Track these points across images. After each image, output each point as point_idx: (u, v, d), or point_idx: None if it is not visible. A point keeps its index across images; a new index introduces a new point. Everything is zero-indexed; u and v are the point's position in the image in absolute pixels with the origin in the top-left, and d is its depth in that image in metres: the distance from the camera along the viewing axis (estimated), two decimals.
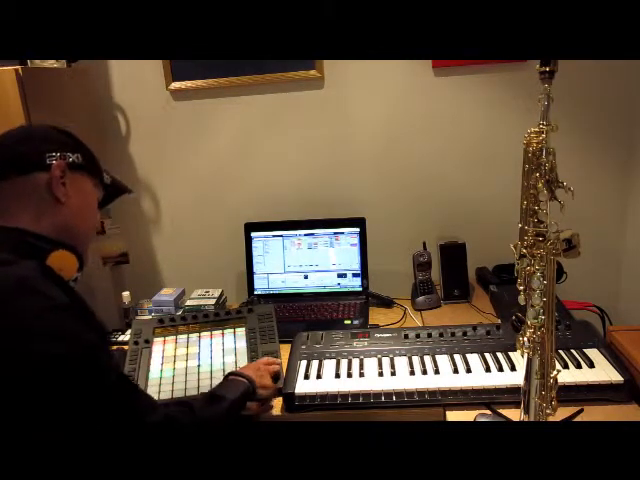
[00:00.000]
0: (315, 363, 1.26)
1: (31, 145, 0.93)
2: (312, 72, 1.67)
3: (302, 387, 1.17)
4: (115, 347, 1.45)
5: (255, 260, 1.73)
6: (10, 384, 0.73)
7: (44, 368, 0.74)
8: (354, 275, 1.71)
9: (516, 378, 1.13)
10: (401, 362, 1.24)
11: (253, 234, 1.73)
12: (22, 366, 0.74)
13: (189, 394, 1.22)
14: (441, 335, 1.33)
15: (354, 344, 1.32)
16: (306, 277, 1.72)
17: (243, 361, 1.31)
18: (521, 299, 0.87)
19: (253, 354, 1.33)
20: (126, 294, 1.68)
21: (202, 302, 1.65)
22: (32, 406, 0.74)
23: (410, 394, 1.15)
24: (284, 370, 1.26)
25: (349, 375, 1.21)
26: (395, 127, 1.71)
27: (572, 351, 1.22)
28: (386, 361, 1.25)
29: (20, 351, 0.75)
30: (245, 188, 1.80)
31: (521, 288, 0.87)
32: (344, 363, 1.26)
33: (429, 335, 1.33)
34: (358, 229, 1.70)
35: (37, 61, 1.51)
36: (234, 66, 1.68)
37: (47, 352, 0.75)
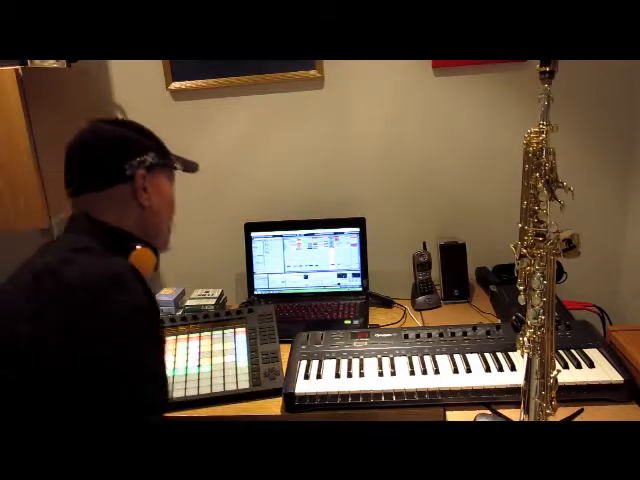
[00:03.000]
0: (315, 363, 1.26)
1: (109, 156, 0.96)
2: (312, 72, 1.67)
3: (302, 387, 1.17)
4: None
5: (255, 260, 1.73)
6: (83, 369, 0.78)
7: (113, 366, 0.80)
8: (354, 275, 1.71)
9: (516, 378, 1.13)
10: (401, 362, 1.25)
11: (253, 234, 1.73)
12: (99, 357, 0.79)
13: (189, 394, 1.22)
14: (441, 335, 1.33)
15: (354, 344, 1.32)
16: (306, 277, 1.72)
17: (243, 361, 1.31)
18: (521, 299, 0.87)
19: (253, 354, 1.33)
20: None
21: (202, 302, 1.65)
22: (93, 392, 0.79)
23: (410, 394, 1.15)
24: (284, 370, 1.26)
25: (349, 375, 1.21)
26: (395, 127, 1.71)
27: (572, 351, 1.22)
28: (386, 361, 1.25)
29: (104, 343, 0.80)
30: (245, 188, 1.80)
31: (521, 288, 0.87)
32: (344, 363, 1.26)
33: (429, 335, 1.33)
34: (358, 229, 1.70)
35: (37, 61, 1.51)
36: (234, 66, 1.68)
37: (124, 352, 0.81)
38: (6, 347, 0.80)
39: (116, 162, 0.96)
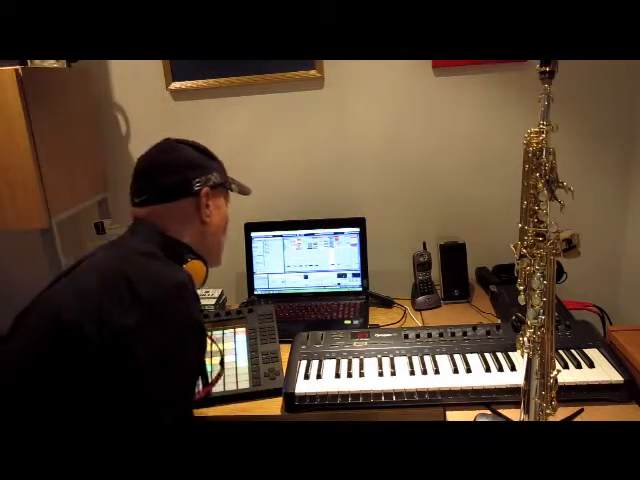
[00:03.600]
0: (315, 363, 1.26)
1: (181, 172, 1.04)
2: (312, 72, 1.67)
3: (302, 387, 1.17)
4: None
5: (255, 260, 1.73)
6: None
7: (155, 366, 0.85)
8: (354, 275, 1.71)
9: (516, 378, 1.13)
10: (401, 362, 1.25)
11: (253, 234, 1.73)
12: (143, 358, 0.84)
13: None
14: (441, 335, 1.33)
15: (354, 344, 1.32)
16: (306, 277, 1.72)
17: (243, 361, 1.31)
18: (521, 299, 0.87)
19: (253, 354, 1.33)
20: None
21: (202, 302, 1.65)
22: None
23: (410, 394, 1.15)
24: (284, 370, 1.26)
25: (349, 375, 1.21)
26: (395, 127, 1.71)
27: (572, 351, 1.22)
28: (386, 361, 1.25)
29: (162, 345, 0.86)
30: None
31: (521, 288, 0.87)
32: (344, 363, 1.26)
33: (429, 335, 1.33)
34: (358, 229, 1.70)
35: (37, 61, 1.51)
36: (234, 66, 1.68)
37: (175, 358, 0.87)
38: (74, 345, 0.83)
39: (186, 178, 1.03)
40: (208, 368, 1.29)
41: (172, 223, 1.03)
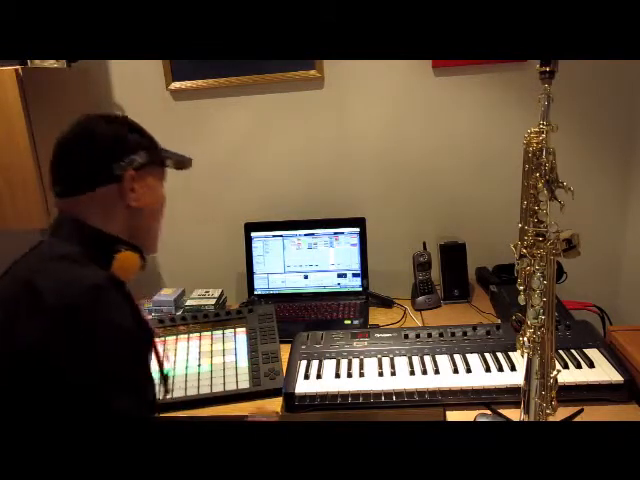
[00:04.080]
0: (315, 363, 1.26)
1: (97, 156, 0.92)
2: (312, 72, 1.67)
3: (302, 387, 1.17)
4: None
5: (255, 260, 1.73)
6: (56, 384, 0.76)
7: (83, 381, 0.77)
8: (354, 275, 1.71)
9: (516, 378, 1.13)
10: (401, 362, 1.25)
11: (253, 234, 1.73)
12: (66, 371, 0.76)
13: (189, 394, 1.22)
14: (441, 335, 1.33)
15: (354, 344, 1.32)
16: (306, 277, 1.72)
17: (243, 361, 1.31)
18: (521, 299, 0.87)
19: (253, 354, 1.33)
20: None
21: (202, 302, 1.65)
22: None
23: (410, 394, 1.15)
24: (284, 370, 1.27)
25: (349, 375, 1.21)
26: (395, 127, 1.71)
27: (572, 351, 1.22)
28: (386, 361, 1.25)
29: (76, 359, 0.77)
30: (245, 188, 1.80)
31: (521, 288, 0.87)
32: (344, 363, 1.26)
33: (429, 335, 1.33)
34: (358, 229, 1.70)
35: (37, 61, 1.51)
36: (234, 66, 1.68)
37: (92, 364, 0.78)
38: None
39: (104, 162, 0.92)
40: (207, 369, 1.29)
41: (95, 214, 0.92)
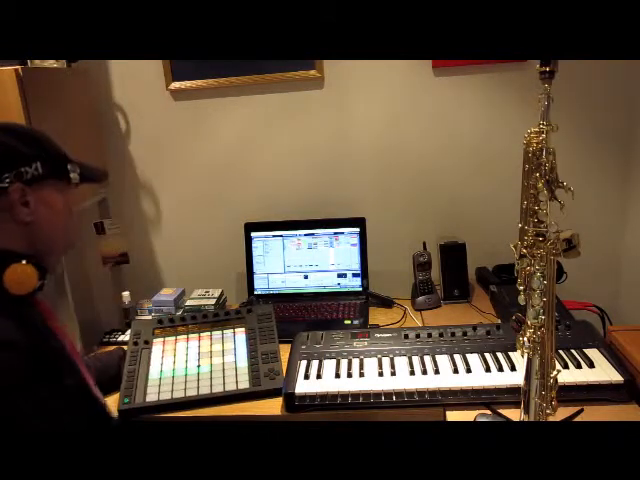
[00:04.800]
0: (315, 363, 1.26)
1: None
2: (312, 72, 1.67)
3: (302, 387, 1.17)
4: (115, 347, 1.45)
5: (255, 260, 1.73)
6: None
7: None
8: (354, 275, 1.71)
9: (516, 378, 1.13)
10: (401, 362, 1.24)
11: (253, 234, 1.73)
12: None
13: (189, 394, 1.22)
14: (441, 335, 1.33)
15: (354, 344, 1.32)
16: (306, 277, 1.72)
17: (242, 361, 1.31)
18: (521, 299, 0.87)
19: (253, 354, 1.33)
20: (126, 294, 1.68)
21: (202, 302, 1.65)
22: None
23: (410, 394, 1.15)
24: (284, 370, 1.26)
25: (349, 375, 1.21)
26: (395, 127, 1.71)
27: (572, 351, 1.22)
28: (386, 361, 1.25)
29: None
30: (245, 188, 1.80)
31: (521, 288, 0.87)
32: (344, 363, 1.26)
33: (429, 335, 1.33)
34: (358, 229, 1.70)
35: (37, 61, 1.51)
36: (234, 66, 1.68)
37: None
38: None
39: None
40: (206, 369, 1.29)
41: None
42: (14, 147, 0.88)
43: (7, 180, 0.86)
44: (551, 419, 0.90)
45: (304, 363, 1.26)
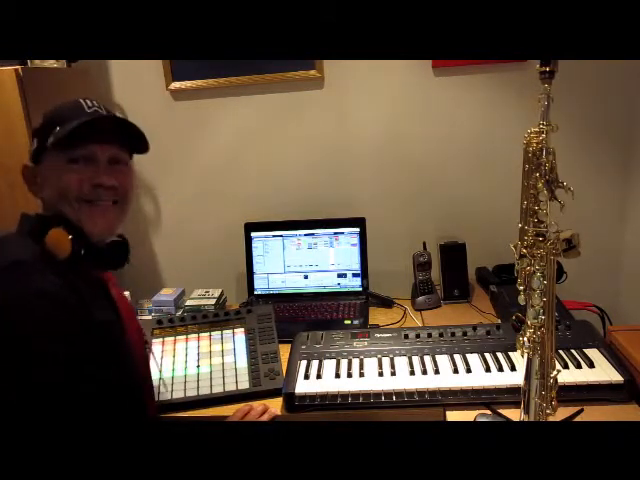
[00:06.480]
0: (315, 363, 1.26)
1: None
2: (312, 72, 1.67)
3: (302, 387, 1.17)
4: None
5: (255, 260, 1.73)
6: None
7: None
8: (354, 275, 1.71)
9: (516, 378, 1.13)
10: (401, 362, 1.24)
11: (253, 234, 1.73)
12: None
13: (188, 395, 1.22)
14: (441, 335, 1.33)
15: (354, 344, 1.32)
16: (306, 277, 1.72)
17: (242, 362, 1.31)
18: (521, 299, 0.87)
19: (252, 354, 1.33)
20: (126, 294, 1.68)
21: (202, 302, 1.65)
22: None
23: (410, 394, 1.15)
24: (284, 370, 1.26)
25: (349, 375, 1.21)
26: (395, 127, 1.71)
27: (572, 351, 1.22)
28: (386, 361, 1.25)
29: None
30: (245, 188, 1.80)
31: (521, 288, 0.87)
32: (344, 363, 1.26)
33: (429, 335, 1.33)
34: (358, 229, 1.70)
35: (37, 61, 1.51)
36: (234, 66, 1.68)
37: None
38: None
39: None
40: (206, 370, 1.29)
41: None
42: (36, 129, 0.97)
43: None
44: (551, 419, 0.90)
45: (304, 363, 1.26)
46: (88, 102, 0.97)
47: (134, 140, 1.01)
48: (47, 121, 0.96)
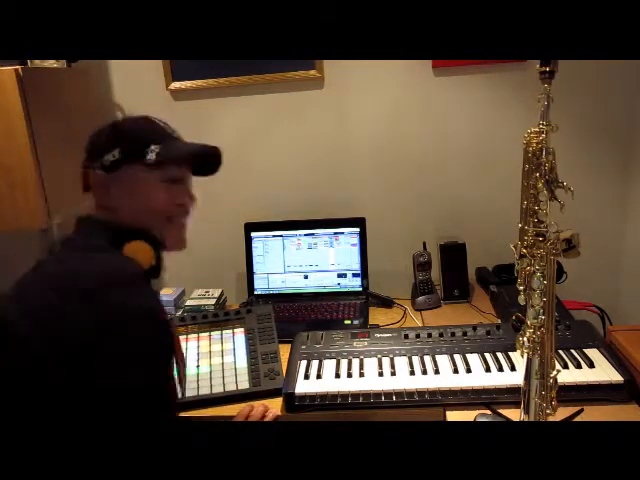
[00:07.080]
0: (315, 363, 1.26)
1: (86, 159, 0.98)
2: (312, 72, 1.67)
3: (302, 387, 1.17)
4: None
5: (255, 260, 1.73)
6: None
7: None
8: (354, 275, 1.71)
9: (516, 378, 1.13)
10: (401, 362, 1.24)
11: (253, 234, 1.73)
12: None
13: (188, 395, 1.22)
14: (441, 335, 1.33)
15: (354, 344, 1.32)
16: (306, 277, 1.72)
17: (242, 362, 1.31)
18: (521, 299, 0.87)
19: (252, 354, 1.33)
20: None
21: (202, 302, 1.65)
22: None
23: (410, 394, 1.15)
24: (284, 370, 1.26)
25: (349, 375, 1.21)
26: (395, 127, 1.71)
27: (572, 351, 1.22)
28: (386, 361, 1.25)
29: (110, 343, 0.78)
30: (245, 188, 1.80)
31: (521, 288, 0.87)
32: (344, 363, 1.26)
33: (429, 335, 1.33)
34: (358, 229, 1.70)
35: (37, 61, 1.51)
36: (234, 66, 1.68)
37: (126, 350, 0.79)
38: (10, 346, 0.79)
39: (84, 164, 0.97)
40: (206, 370, 1.29)
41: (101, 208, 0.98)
42: (97, 140, 0.97)
43: (94, 168, 0.95)
44: (551, 419, 0.90)
45: (304, 363, 1.26)
46: (161, 123, 1.01)
47: (208, 166, 1.15)
48: (134, 136, 0.96)
